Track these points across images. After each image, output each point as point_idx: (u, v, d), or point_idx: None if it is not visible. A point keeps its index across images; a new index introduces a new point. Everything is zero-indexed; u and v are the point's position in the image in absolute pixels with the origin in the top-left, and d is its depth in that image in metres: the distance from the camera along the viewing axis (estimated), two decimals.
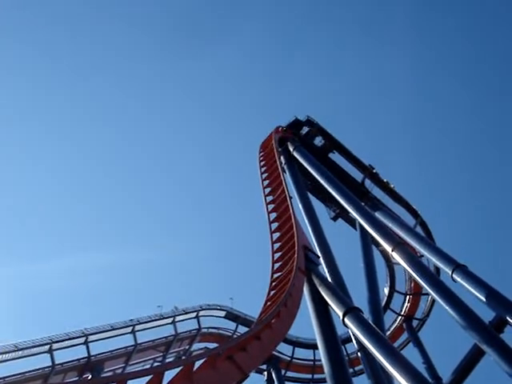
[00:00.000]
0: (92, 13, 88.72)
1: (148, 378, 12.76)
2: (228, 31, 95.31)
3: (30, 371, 28.86)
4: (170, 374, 13.47)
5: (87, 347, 31.77)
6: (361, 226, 35.32)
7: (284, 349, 42.90)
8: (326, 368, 23.49)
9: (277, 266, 26.93)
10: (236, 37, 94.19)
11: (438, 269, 32.88)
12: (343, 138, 42.20)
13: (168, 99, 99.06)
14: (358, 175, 41.53)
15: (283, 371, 42.51)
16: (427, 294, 41.77)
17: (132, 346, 34.37)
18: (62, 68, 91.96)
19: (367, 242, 36.87)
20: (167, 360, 36.85)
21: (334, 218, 42.24)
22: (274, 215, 31.68)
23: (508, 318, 24.80)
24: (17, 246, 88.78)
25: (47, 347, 29.61)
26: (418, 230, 40.90)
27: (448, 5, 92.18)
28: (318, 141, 41.96)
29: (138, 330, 34.81)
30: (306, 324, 26.63)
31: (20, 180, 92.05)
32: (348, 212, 37.15)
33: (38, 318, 78.75)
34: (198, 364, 14.67)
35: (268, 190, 34.69)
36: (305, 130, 42.15)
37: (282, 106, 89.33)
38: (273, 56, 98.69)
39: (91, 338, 32.05)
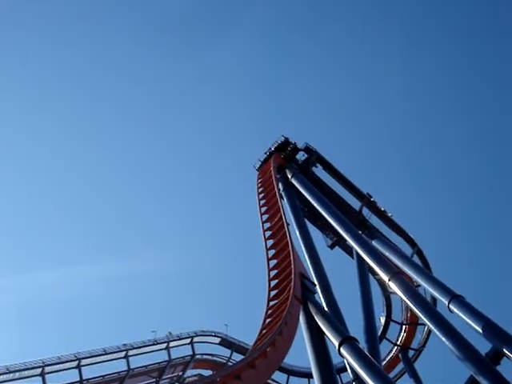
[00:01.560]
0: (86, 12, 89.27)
1: None
2: (219, 37, 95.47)
3: None
4: None
5: (79, 371, 31.55)
6: (358, 254, 35.25)
7: (278, 377, 42.51)
8: None
9: (273, 293, 26.81)
10: (229, 40, 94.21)
11: (434, 299, 32.73)
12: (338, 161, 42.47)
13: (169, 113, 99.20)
14: (355, 203, 41.57)
15: None
16: (423, 325, 41.53)
17: (125, 371, 34.10)
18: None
19: (364, 270, 36.73)
20: None
21: (331, 246, 42.13)
22: (271, 242, 31.60)
23: (504, 350, 24.62)
24: (12, 257, 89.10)
25: (39, 370, 29.41)
26: (415, 259, 40.80)
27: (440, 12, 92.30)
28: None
29: (132, 355, 34.56)
30: (300, 352, 26.44)
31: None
32: (345, 240, 37.08)
33: (32, 328, 78.81)
34: None
35: (266, 216, 34.65)
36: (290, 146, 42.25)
37: (276, 116, 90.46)
38: (259, 73, 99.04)
39: (84, 361, 31.84)
